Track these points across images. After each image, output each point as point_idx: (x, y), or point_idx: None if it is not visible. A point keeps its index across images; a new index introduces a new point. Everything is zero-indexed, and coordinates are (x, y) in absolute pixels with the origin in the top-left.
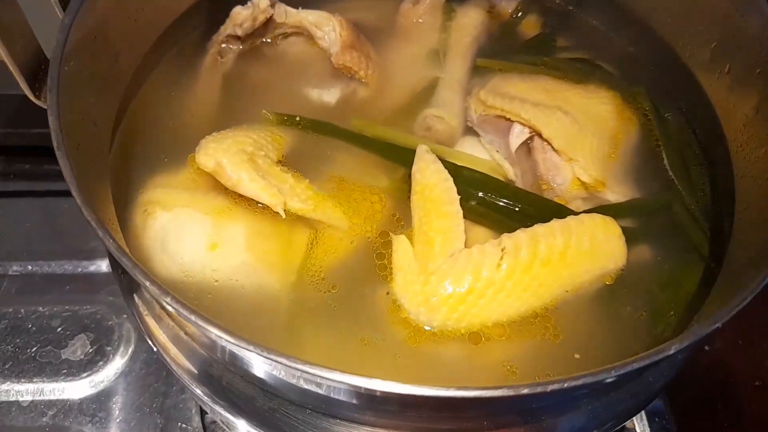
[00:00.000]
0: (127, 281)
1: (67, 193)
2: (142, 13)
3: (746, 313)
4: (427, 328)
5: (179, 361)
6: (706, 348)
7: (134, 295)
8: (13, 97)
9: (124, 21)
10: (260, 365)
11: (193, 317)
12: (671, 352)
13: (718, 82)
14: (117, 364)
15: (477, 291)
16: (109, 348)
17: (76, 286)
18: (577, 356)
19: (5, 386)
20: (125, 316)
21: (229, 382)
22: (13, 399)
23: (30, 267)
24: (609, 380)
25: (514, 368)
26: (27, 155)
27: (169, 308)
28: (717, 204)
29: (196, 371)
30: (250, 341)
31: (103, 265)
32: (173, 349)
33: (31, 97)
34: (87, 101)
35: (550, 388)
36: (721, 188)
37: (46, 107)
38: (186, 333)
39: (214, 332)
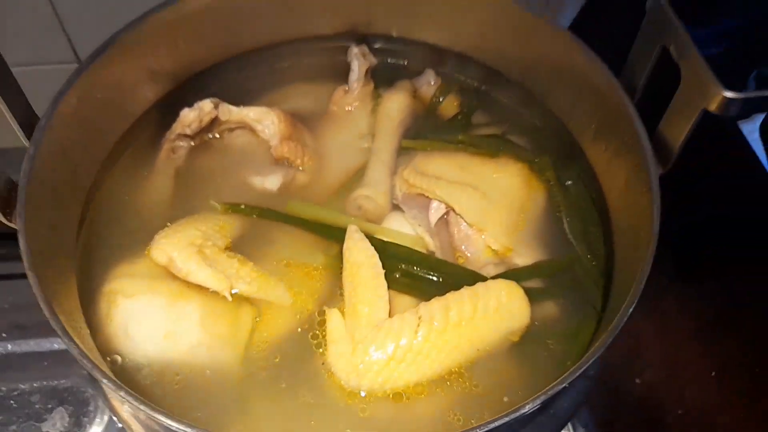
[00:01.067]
0: None
1: None
2: (98, 128)
3: (674, 343)
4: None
5: None
6: (637, 381)
7: None
8: None
9: (82, 137)
10: None
11: (142, 407)
12: (526, 411)
13: (601, 158)
14: None
15: (398, 357)
16: (86, 419)
17: (53, 362)
18: (506, 399)
19: None
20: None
21: None
22: None
23: (10, 346)
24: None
25: (458, 415)
26: (3, 239)
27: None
28: (609, 263)
29: None
30: (193, 427)
31: None
32: (137, 426)
33: (3, 221)
34: (51, 214)
35: None
36: (611, 250)
37: (17, 228)
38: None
39: (163, 421)
